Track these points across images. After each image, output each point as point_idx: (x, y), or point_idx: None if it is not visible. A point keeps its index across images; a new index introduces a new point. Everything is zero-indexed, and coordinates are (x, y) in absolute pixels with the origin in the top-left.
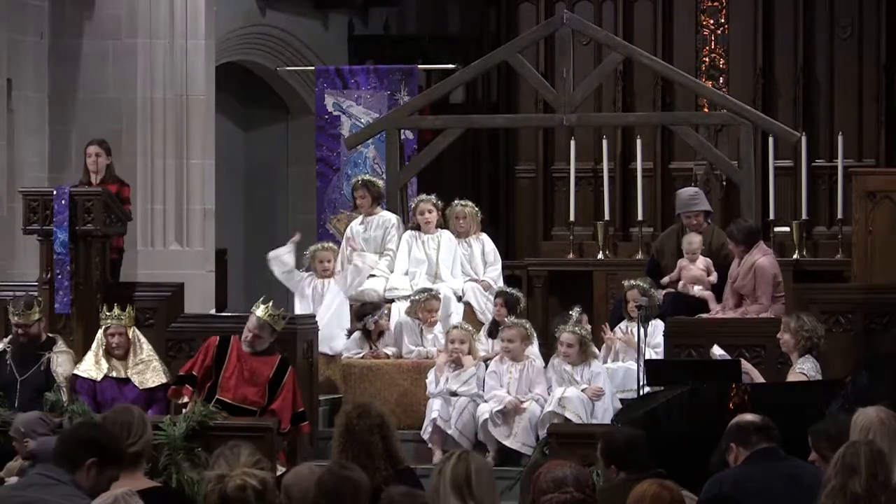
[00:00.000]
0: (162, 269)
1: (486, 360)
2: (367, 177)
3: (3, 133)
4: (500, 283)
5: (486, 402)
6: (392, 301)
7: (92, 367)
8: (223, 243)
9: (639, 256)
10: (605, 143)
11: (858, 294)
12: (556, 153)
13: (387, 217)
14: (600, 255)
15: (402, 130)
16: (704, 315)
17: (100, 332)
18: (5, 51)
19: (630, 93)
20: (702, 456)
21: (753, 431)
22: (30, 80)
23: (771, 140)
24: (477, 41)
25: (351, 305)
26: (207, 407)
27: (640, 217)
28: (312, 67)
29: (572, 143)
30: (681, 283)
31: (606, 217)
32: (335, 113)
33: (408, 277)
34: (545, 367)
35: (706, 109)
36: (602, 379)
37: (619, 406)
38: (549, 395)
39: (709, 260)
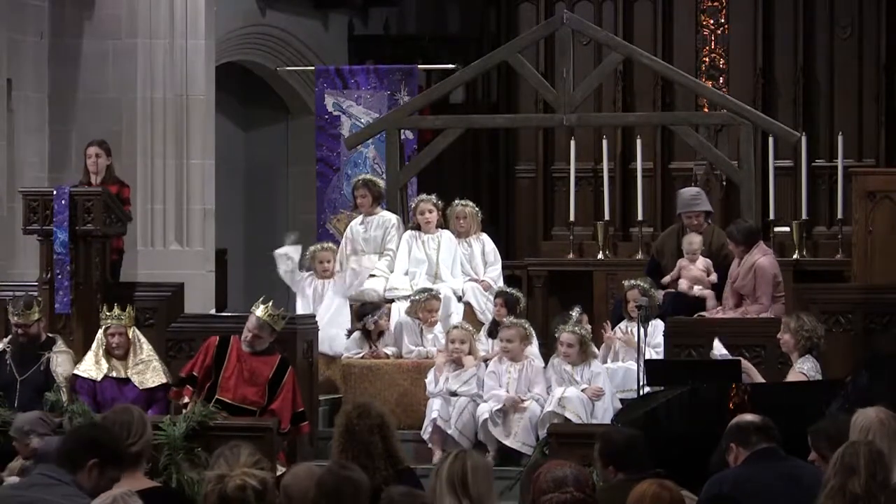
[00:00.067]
0: (162, 269)
1: (486, 361)
2: (367, 176)
3: (3, 133)
4: (500, 283)
5: (485, 402)
6: (392, 301)
7: (92, 367)
8: (223, 243)
9: (639, 256)
10: (605, 143)
11: (858, 294)
12: (556, 153)
13: (387, 217)
14: (600, 255)
15: (402, 130)
16: (704, 314)
17: (100, 332)
18: (5, 51)
19: (630, 93)
20: (702, 456)
21: (753, 431)
22: (30, 80)
23: (771, 140)
24: (477, 41)
25: (351, 305)
26: (207, 407)
27: (640, 217)
28: (312, 67)
29: (572, 143)
30: (680, 283)
31: (606, 217)
32: (335, 113)
33: (408, 277)
34: (545, 367)
35: (706, 109)
36: (602, 379)
37: (619, 406)
38: (548, 394)
39: (709, 260)
